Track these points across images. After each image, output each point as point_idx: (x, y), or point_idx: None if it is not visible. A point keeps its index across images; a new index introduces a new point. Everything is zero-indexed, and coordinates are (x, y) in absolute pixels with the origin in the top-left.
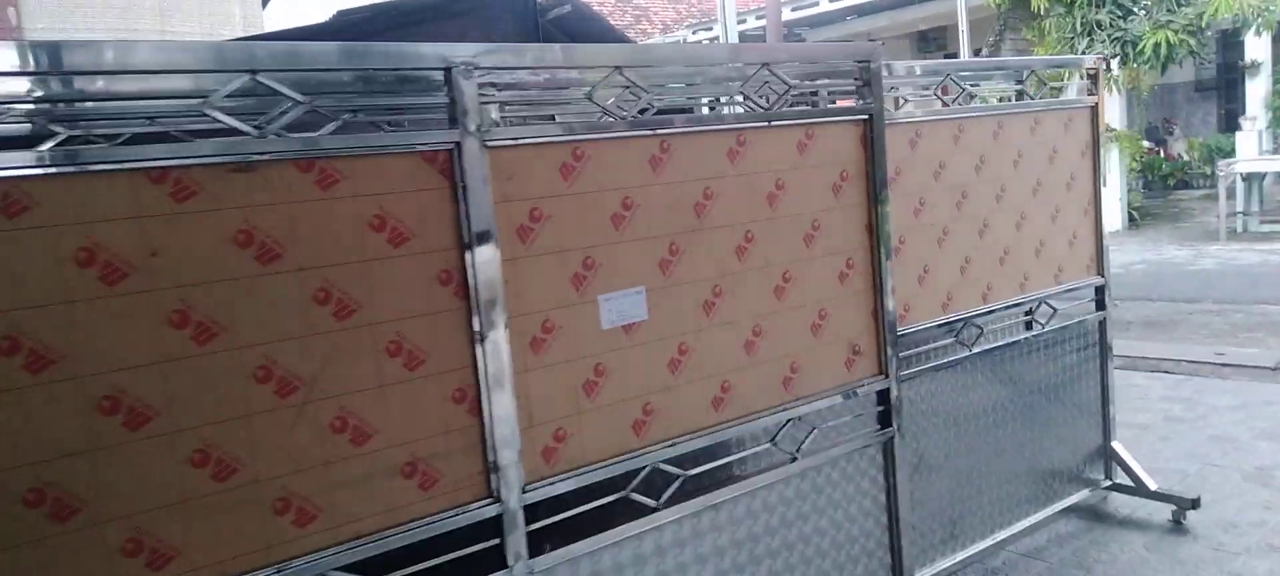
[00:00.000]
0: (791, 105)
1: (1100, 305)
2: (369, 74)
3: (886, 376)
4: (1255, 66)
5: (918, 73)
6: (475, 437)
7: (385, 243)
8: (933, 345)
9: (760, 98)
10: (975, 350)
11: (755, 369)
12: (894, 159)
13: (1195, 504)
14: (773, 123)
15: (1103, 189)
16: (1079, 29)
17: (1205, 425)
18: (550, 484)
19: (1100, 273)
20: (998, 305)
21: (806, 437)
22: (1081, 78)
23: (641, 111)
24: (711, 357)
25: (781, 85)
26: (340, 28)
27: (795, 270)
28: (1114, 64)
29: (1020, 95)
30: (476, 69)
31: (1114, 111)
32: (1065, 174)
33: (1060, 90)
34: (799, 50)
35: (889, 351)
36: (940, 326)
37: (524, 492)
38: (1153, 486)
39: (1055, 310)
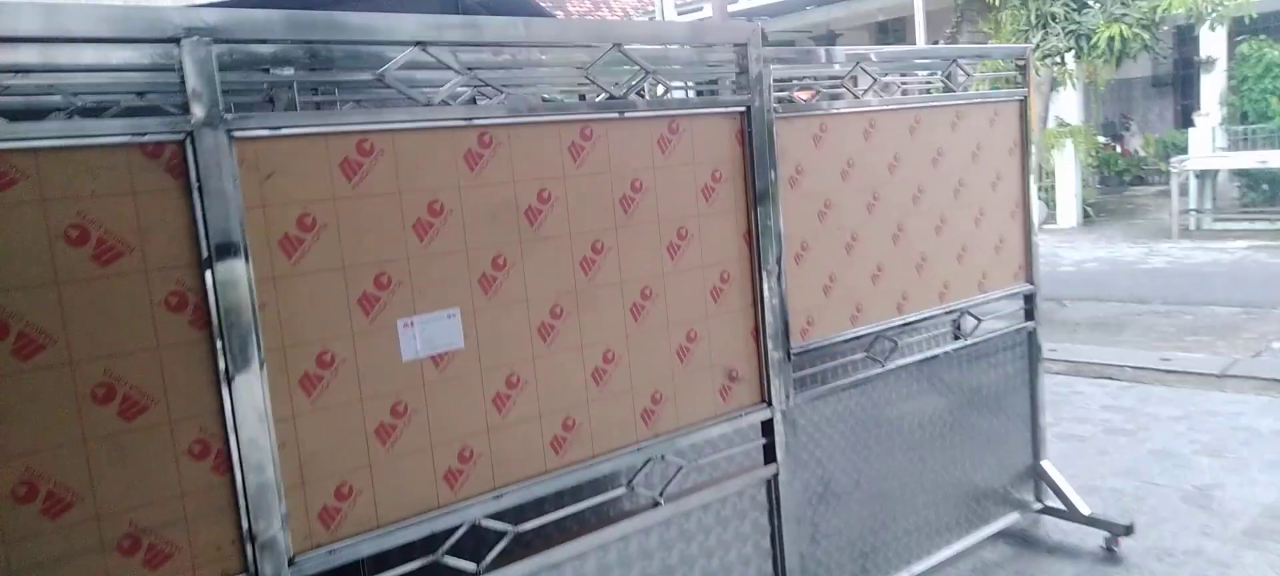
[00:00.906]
0: (654, 94)
1: (1030, 314)
2: (76, 43)
3: (769, 404)
4: (1210, 62)
5: (825, 60)
6: (224, 500)
7: (88, 260)
8: (840, 361)
9: (613, 84)
10: (890, 366)
11: (607, 402)
12: (796, 156)
13: (1128, 530)
14: (625, 115)
15: (1032, 187)
16: (1034, 21)
17: (1146, 437)
18: (330, 552)
19: (1030, 279)
20: (914, 316)
21: (672, 478)
22: (1018, 70)
23: (456, 98)
24: (550, 390)
25: (636, 70)
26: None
27: (657, 285)
28: (1069, 58)
29: (951, 89)
30: (218, 41)
31: (1071, 106)
32: (991, 173)
33: (1011, 83)
34: (658, 28)
35: (772, 376)
36: (849, 341)
37: (293, 564)
38: (1085, 510)
39: (979, 321)
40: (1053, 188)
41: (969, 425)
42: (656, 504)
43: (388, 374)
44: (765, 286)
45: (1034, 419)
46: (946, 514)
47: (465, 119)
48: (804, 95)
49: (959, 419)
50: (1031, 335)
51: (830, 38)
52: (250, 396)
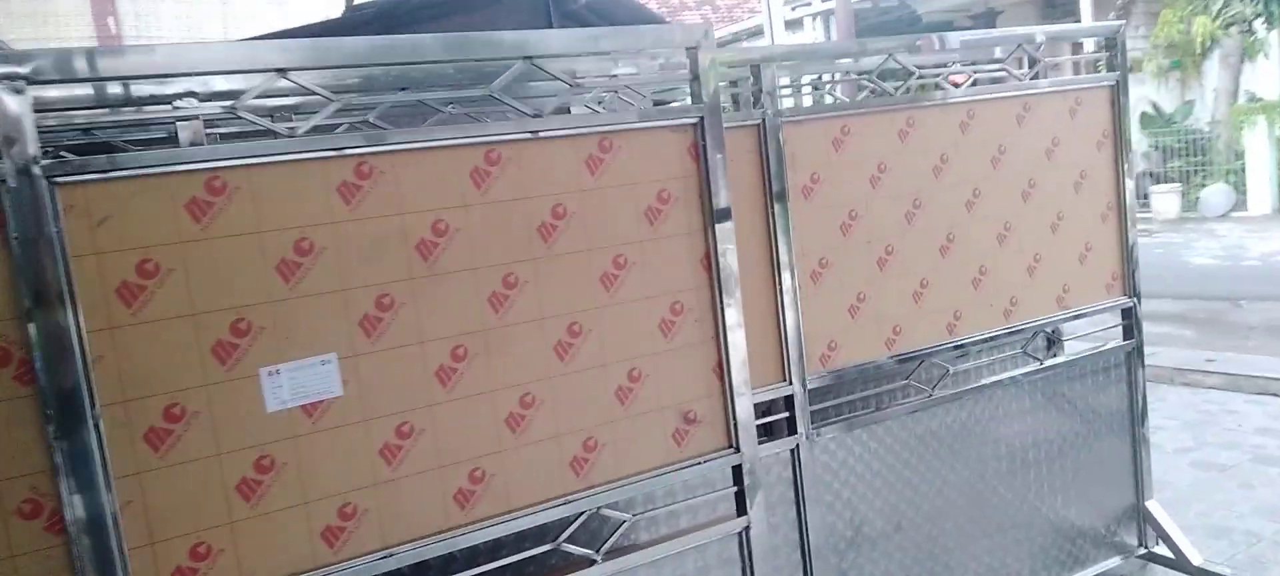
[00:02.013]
0: (587, 107)
1: (1130, 331)
2: None
3: (736, 449)
4: None
5: (832, 58)
6: (60, 564)
7: None
8: (874, 390)
9: (523, 101)
10: (940, 393)
11: (526, 450)
12: (811, 163)
13: None
14: (540, 134)
15: (1129, 185)
16: None
17: None
18: None
19: (1128, 292)
20: (971, 338)
21: (615, 534)
22: (1108, 51)
23: (334, 126)
24: (453, 439)
25: (555, 83)
26: (356, 23)
27: (589, 320)
28: (1258, 25)
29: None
30: (34, 82)
31: (1269, 79)
32: (1072, 171)
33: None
34: (584, 38)
35: (738, 415)
36: (884, 366)
37: None
38: (1197, 559)
39: (1058, 341)
40: (1243, 171)
41: (1050, 460)
42: (593, 562)
43: (251, 426)
44: (727, 316)
45: (1136, 451)
46: (1018, 561)
47: (336, 149)
48: (959, 81)
49: (1036, 453)
50: (1132, 355)
51: (990, 16)
52: (84, 453)
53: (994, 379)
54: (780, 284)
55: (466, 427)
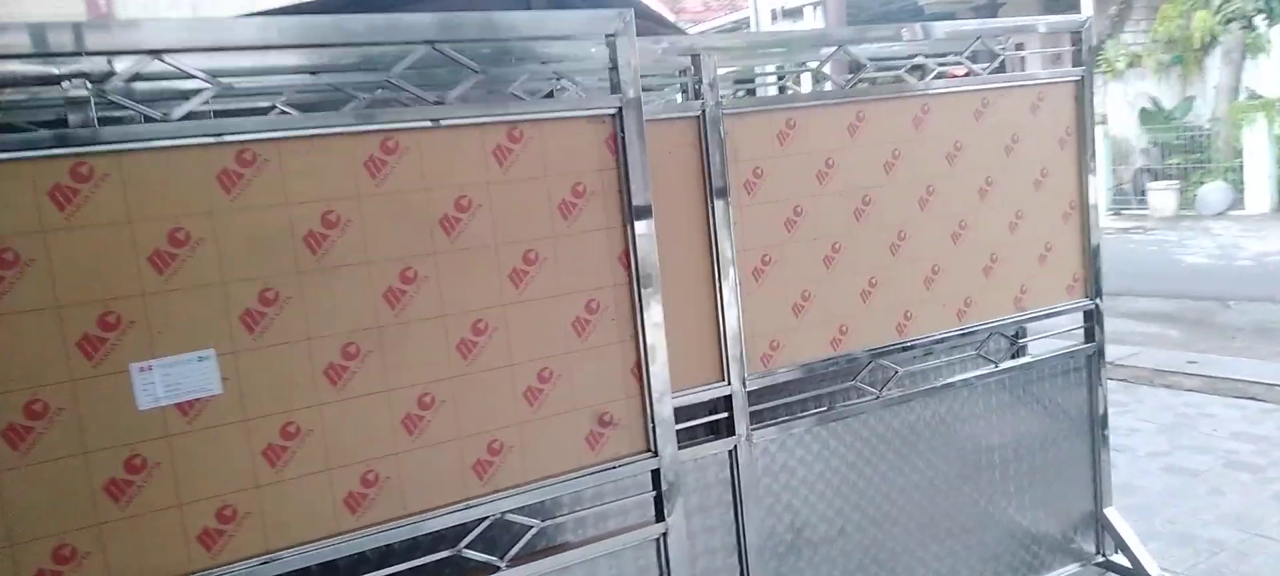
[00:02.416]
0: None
1: (1090, 335)
2: None
3: (655, 453)
4: None
5: (773, 50)
6: None
7: None
8: (819, 390)
9: (427, 87)
10: (889, 394)
11: (424, 452)
12: (754, 157)
13: None
14: (441, 123)
15: (1091, 184)
16: None
17: (1275, 477)
18: None
19: (1089, 293)
20: (921, 338)
21: (519, 542)
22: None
23: (216, 111)
24: (343, 441)
25: (459, 69)
26: (338, 3)
27: (495, 318)
28: (1258, 20)
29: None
30: None
31: (1271, 76)
32: (1032, 169)
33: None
34: (496, 22)
35: (657, 418)
36: (830, 366)
37: None
38: (1154, 569)
39: (1015, 342)
40: (1242, 169)
41: (1006, 464)
42: (496, 570)
43: (121, 424)
44: (647, 314)
45: (1096, 456)
46: (970, 567)
47: (215, 135)
48: (959, 73)
49: (991, 457)
50: (1093, 358)
51: (993, 9)
52: None
53: (946, 381)
54: (720, 281)
55: (359, 428)
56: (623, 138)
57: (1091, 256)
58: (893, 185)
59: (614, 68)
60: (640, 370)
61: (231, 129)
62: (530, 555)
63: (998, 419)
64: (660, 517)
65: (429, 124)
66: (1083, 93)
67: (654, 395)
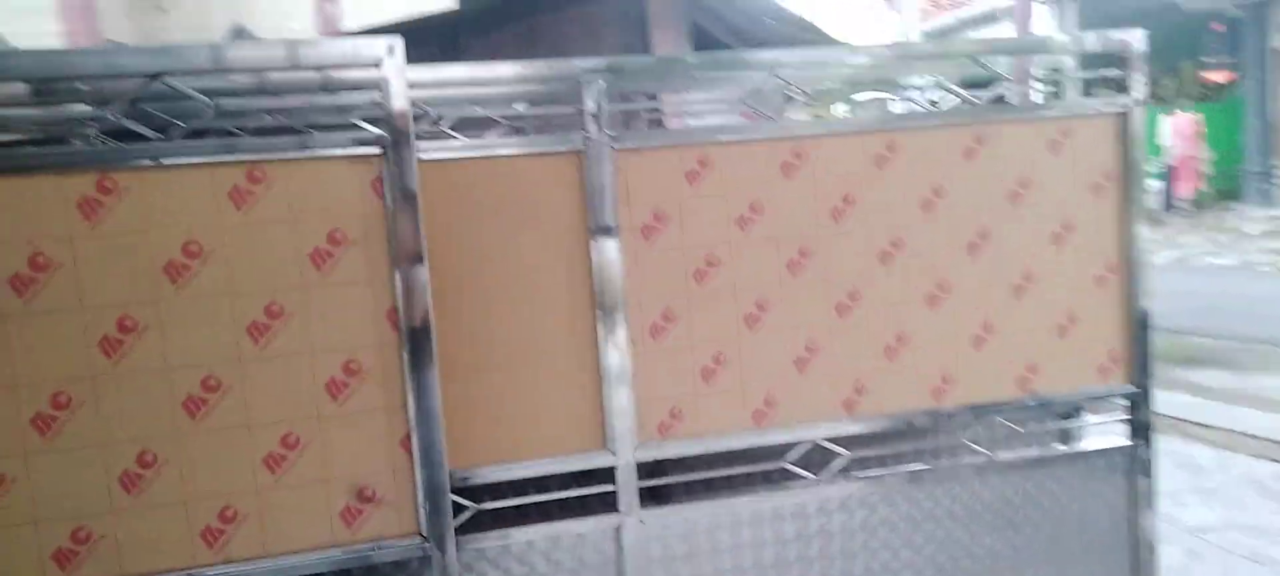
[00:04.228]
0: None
1: (1138, 430)
2: None
3: (424, 537)
4: None
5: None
6: None
7: None
8: (735, 470)
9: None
10: (833, 481)
11: (144, 513)
12: (653, 199)
13: None
14: (162, 161)
15: (1138, 241)
16: None
17: None
18: None
19: (1133, 377)
20: (875, 424)
21: None
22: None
23: None
24: (51, 496)
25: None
26: (473, 14)
27: (229, 375)
28: None
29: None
30: None
31: None
32: (1049, 222)
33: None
34: (236, 53)
35: (431, 499)
36: (748, 445)
37: None
38: None
39: (1017, 430)
40: None
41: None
42: None
43: None
44: (424, 381)
45: (1142, 557)
46: None
47: None
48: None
49: (975, 566)
50: (1135, 458)
51: (1258, 8)
52: None
53: (910, 469)
54: (603, 337)
55: (70, 483)
56: (388, 181)
57: (1136, 331)
58: (842, 235)
59: (378, 103)
60: (411, 442)
61: None
62: None
63: (993, 522)
64: None
65: (149, 163)
66: (1126, 128)
67: (426, 472)
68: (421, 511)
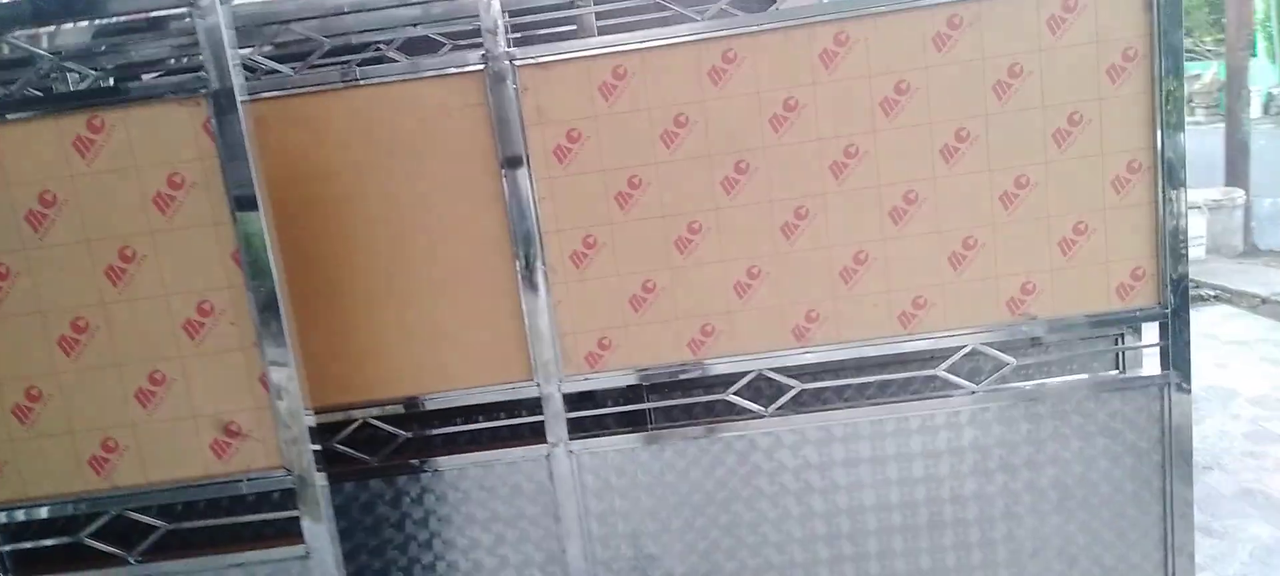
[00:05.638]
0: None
1: (1169, 358)
2: None
3: (287, 471)
4: None
5: None
6: None
7: None
8: (668, 401)
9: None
10: (784, 414)
11: (36, 442)
12: (566, 117)
13: None
14: (8, 117)
15: (1171, 135)
16: None
17: None
18: None
19: (1162, 298)
20: (829, 352)
21: (151, 539)
22: None
23: None
24: None
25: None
26: None
27: (95, 316)
28: None
29: None
30: None
31: None
32: (1049, 115)
33: None
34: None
35: (290, 433)
36: (685, 370)
37: None
38: None
39: (1005, 361)
40: None
41: (986, 533)
42: (127, 563)
43: None
44: (280, 319)
45: (1168, 529)
46: None
47: None
48: None
49: (960, 512)
50: (1167, 390)
51: None
52: None
53: (875, 406)
54: (521, 266)
55: None
56: (219, 122)
57: (1166, 243)
58: (785, 146)
59: (200, 45)
60: (269, 378)
61: None
62: (166, 556)
63: (978, 464)
64: (301, 538)
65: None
66: None
67: (283, 408)
68: (283, 445)
